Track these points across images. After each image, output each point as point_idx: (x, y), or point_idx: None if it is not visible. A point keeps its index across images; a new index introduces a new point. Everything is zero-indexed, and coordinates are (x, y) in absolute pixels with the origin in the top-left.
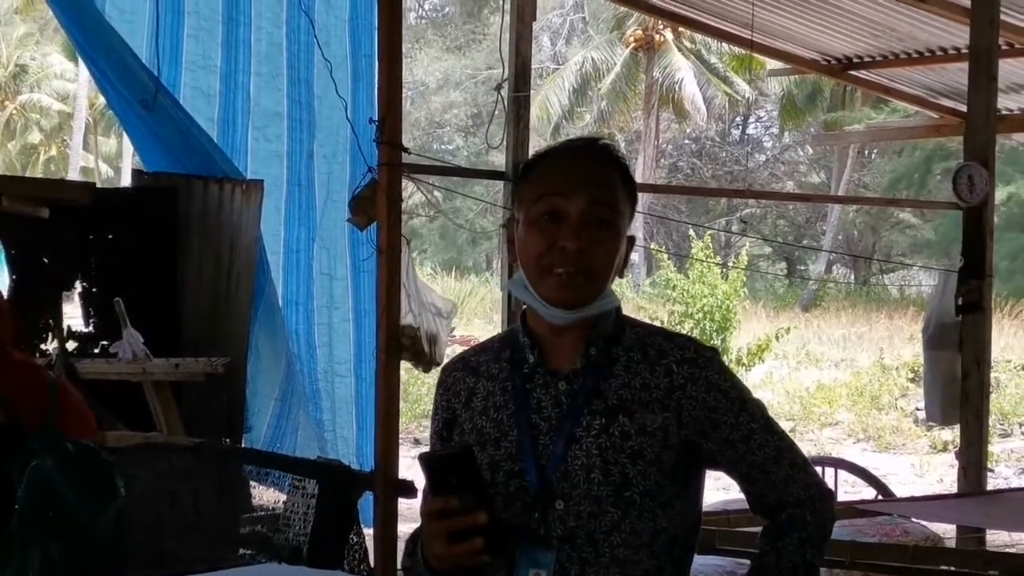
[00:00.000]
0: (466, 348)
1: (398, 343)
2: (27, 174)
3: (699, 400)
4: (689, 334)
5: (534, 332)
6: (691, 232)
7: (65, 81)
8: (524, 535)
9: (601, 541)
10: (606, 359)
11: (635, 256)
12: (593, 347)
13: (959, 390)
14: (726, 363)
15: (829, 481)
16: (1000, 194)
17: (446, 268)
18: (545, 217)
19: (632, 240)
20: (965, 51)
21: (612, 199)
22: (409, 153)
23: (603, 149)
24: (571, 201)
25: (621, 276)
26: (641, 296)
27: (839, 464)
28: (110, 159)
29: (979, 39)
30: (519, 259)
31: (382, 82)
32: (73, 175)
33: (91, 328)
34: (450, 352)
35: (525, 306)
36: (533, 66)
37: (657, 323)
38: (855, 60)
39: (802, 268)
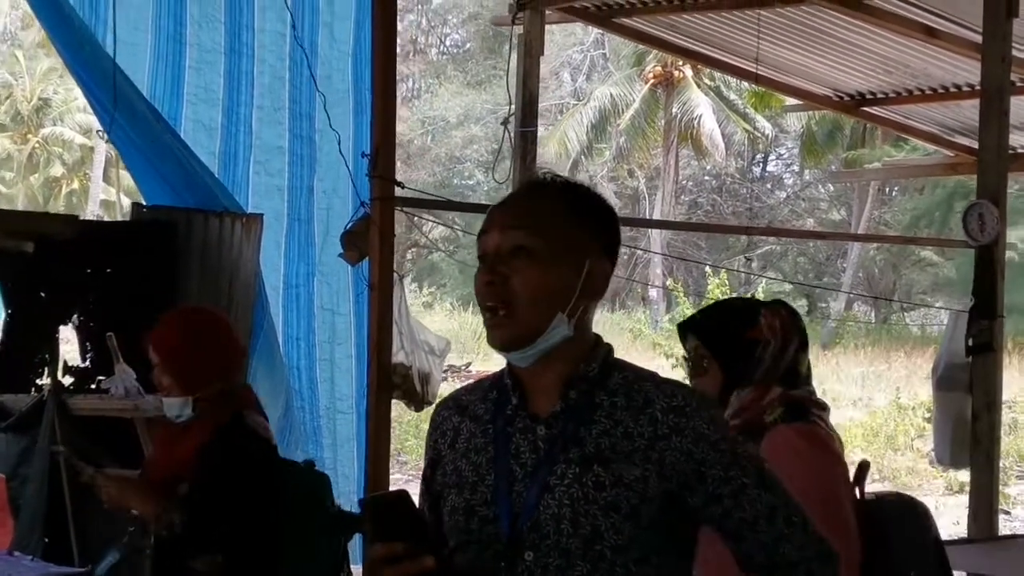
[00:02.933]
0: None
1: (389, 381)
2: (49, 207)
3: (684, 451)
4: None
5: (516, 373)
6: (707, 269)
7: (88, 115)
8: None
9: None
10: (588, 403)
11: (654, 293)
12: (573, 390)
13: (969, 432)
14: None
15: None
16: (1018, 233)
17: (464, 304)
18: (480, 260)
19: (599, 266)
20: (978, 88)
21: (524, 224)
22: (403, 187)
23: (533, 180)
24: (489, 236)
25: (594, 299)
26: (659, 333)
27: None
28: (131, 192)
29: (990, 76)
30: None
31: (376, 116)
32: (93, 208)
33: (87, 363)
34: (448, 389)
35: None
36: (553, 102)
37: (671, 360)
38: (868, 96)
39: (823, 305)
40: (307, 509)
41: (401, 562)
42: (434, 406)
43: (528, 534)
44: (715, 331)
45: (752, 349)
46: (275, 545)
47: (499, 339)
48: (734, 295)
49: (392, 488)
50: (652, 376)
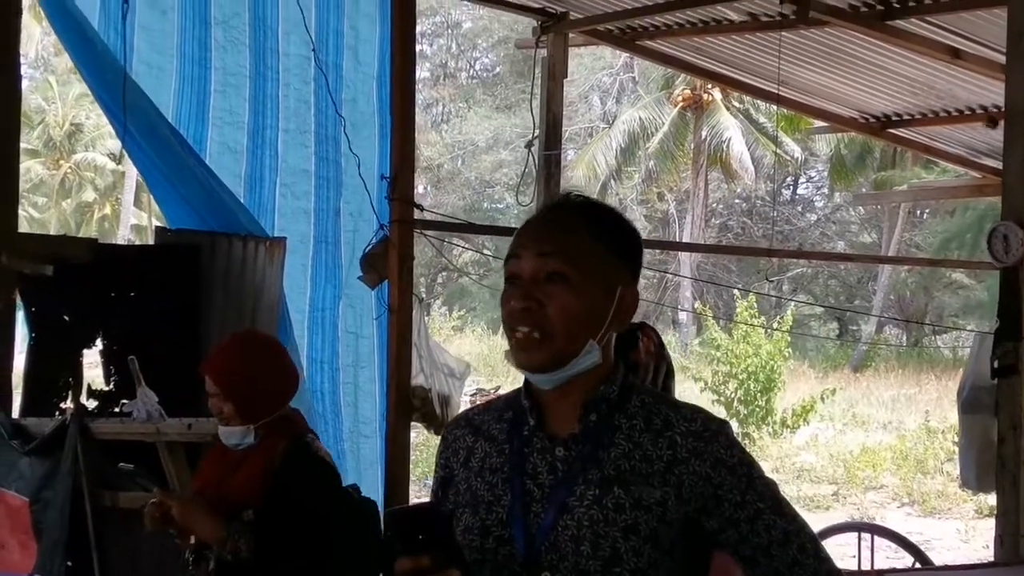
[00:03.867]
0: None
1: (408, 403)
2: (80, 232)
3: (703, 476)
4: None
5: (535, 394)
6: (736, 292)
7: (119, 140)
8: None
9: None
10: (607, 425)
11: (683, 316)
12: (593, 412)
13: (995, 455)
14: (736, 437)
15: (864, 548)
16: None
17: (494, 327)
18: (507, 282)
19: (630, 292)
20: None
21: (560, 250)
22: (422, 210)
23: (564, 203)
24: (522, 260)
25: (618, 330)
26: (689, 356)
27: (874, 530)
28: (162, 217)
29: (1014, 97)
30: None
31: (395, 139)
32: (125, 232)
33: (111, 387)
34: None
35: None
36: (582, 125)
37: (701, 383)
38: (894, 118)
39: (854, 328)
40: (364, 536)
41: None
42: (444, 425)
43: (546, 555)
44: None
45: (634, 372)
46: (339, 571)
47: (530, 361)
48: (762, 318)
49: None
50: (670, 399)
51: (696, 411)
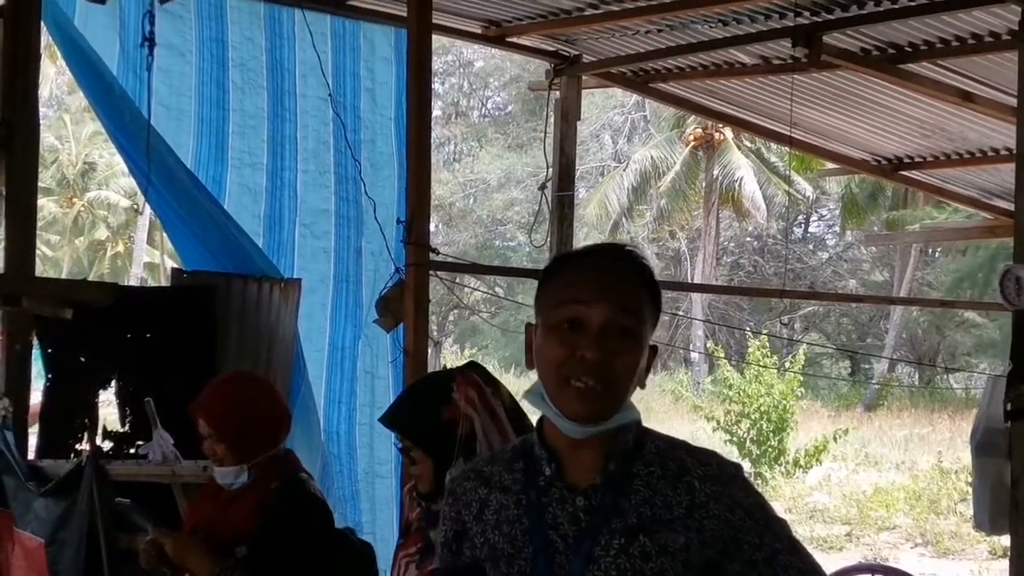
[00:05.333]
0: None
1: None
2: (93, 270)
3: (722, 519)
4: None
5: (551, 444)
6: (748, 332)
7: (132, 178)
8: None
9: None
10: (626, 474)
11: (695, 356)
12: (612, 462)
13: (1009, 498)
14: (751, 479)
15: None
16: None
17: (505, 365)
18: (566, 325)
19: (655, 350)
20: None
21: (636, 307)
22: (437, 254)
23: (628, 256)
24: (593, 309)
25: (642, 387)
26: (700, 395)
27: (887, 571)
28: (174, 255)
29: None
30: (537, 367)
31: (410, 184)
32: (137, 271)
33: (127, 428)
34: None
35: (541, 415)
36: (594, 164)
37: (713, 423)
38: (906, 160)
39: (866, 367)
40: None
41: None
42: (450, 478)
43: None
44: (410, 421)
45: (451, 429)
46: None
47: (588, 413)
48: (774, 357)
49: None
50: (683, 444)
51: (710, 455)
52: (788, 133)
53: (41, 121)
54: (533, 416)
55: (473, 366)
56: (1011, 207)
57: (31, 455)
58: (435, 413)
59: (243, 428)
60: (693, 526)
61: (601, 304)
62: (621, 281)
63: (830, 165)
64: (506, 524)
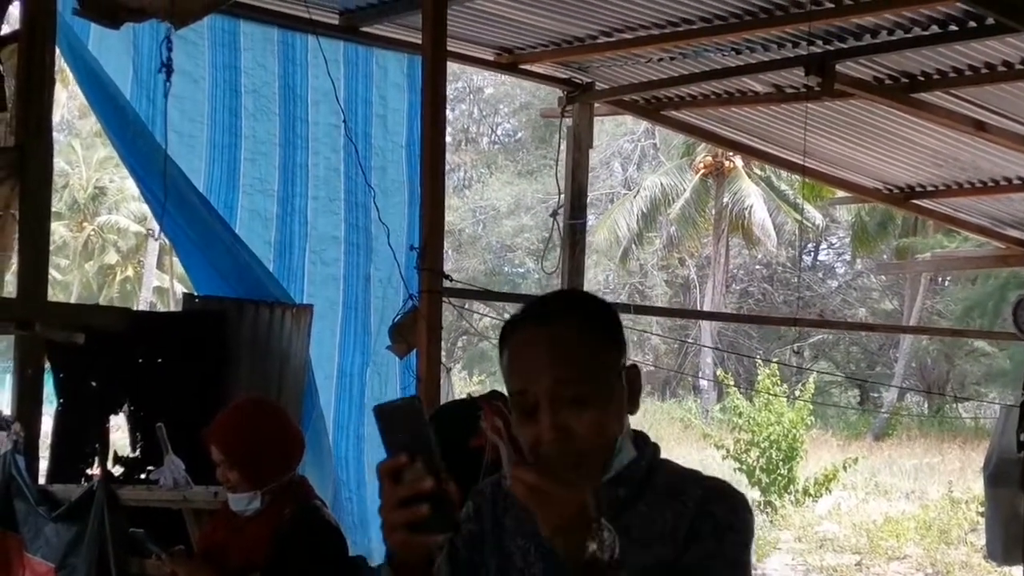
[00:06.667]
0: None
1: None
2: (103, 294)
3: (693, 528)
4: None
5: None
6: (757, 360)
7: (142, 203)
8: None
9: None
10: (634, 499)
11: (704, 383)
12: (622, 487)
13: (1022, 529)
14: (753, 508)
15: None
16: None
17: None
18: (523, 414)
19: (634, 370)
20: None
21: (579, 373)
22: (451, 280)
23: (556, 314)
24: (537, 387)
25: (633, 412)
26: (709, 423)
27: None
28: (184, 280)
29: None
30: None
31: (424, 209)
32: (147, 295)
33: (138, 453)
34: None
35: None
36: (604, 191)
37: (722, 451)
38: (918, 189)
39: (875, 395)
40: None
41: (403, 479)
42: (484, 482)
43: None
44: (439, 450)
45: (477, 458)
46: None
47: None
48: (784, 386)
49: None
50: (695, 473)
51: (718, 483)
52: (801, 162)
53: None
54: None
55: (496, 395)
56: (1022, 236)
57: (42, 480)
58: (463, 440)
59: (256, 454)
60: (679, 539)
61: (540, 380)
62: (555, 346)
63: (841, 193)
64: (521, 537)
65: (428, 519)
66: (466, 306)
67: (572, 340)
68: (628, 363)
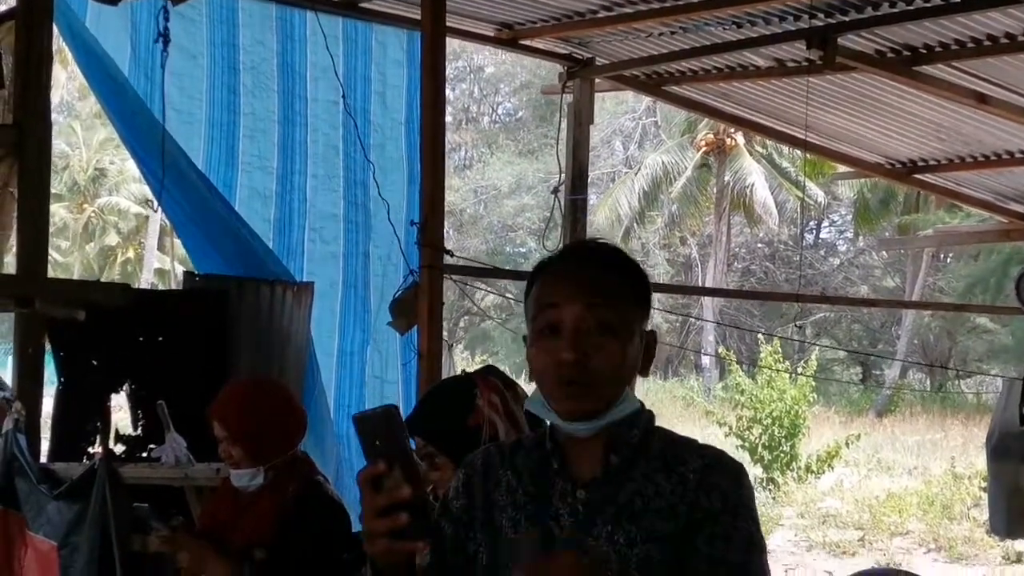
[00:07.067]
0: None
1: None
2: (104, 276)
3: (700, 504)
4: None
5: (559, 438)
6: (760, 337)
7: (143, 184)
8: None
9: None
10: (627, 467)
11: (706, 360)
12: (615, 454)
13: None
14: (752, 481)
15: None
16: None
17: (516, 371)
18: (545, 331)
19: (653, 336)
20: None
21: (609, 300)
22: (452, 256)
23: (598, 251)
24: (565, 310)
25: (644, 375)
26: (712, 401)
27: (889, 575)
28: (185, 261)
29: None
30: (532, 376)
31: (424, 185)
32: (148, 276)
33: (139, 431)
34: None
35: None
36: (605, 170)
37: (725, 428)
38: (920, 163)
39: (877, 372)
40: None
41: (382, 487)
42: (474, 453)
43: None
44: (435, 428)
45: (475, 435)
46: None
47: (578, 410)
48: (786, 363)
49: None
50: (691, 441)
51: (715, 450)
52: (802, 136)
53: (52, 127)
54: None
55: (490, 370)
56: None
57: (43, 458)
58: (460, 419)
59: (258, 430)
60: (681, 512)
61: (571, 304)
62: (591, 276)
63: (842, 169)
64: (511, 508)
65: (407, 527)
66: (468, 286)
67: (610, 277)
68: (649, 328)
